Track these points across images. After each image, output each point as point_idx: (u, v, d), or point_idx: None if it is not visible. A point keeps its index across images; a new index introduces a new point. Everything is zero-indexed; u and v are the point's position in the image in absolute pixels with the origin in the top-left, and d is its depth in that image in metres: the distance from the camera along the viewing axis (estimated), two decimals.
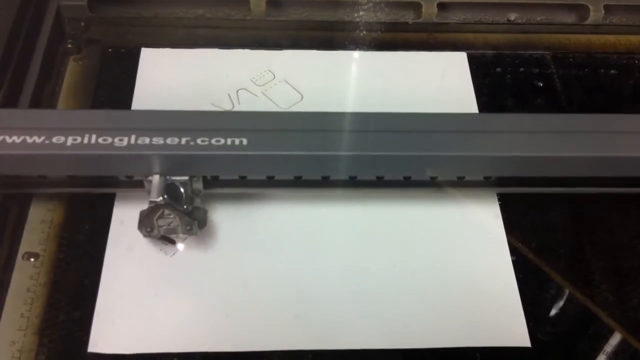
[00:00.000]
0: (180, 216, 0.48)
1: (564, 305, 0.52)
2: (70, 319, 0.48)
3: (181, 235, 0.51)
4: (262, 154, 0.49)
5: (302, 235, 0.53)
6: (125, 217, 0.53)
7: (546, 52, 0.69)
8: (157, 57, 0.65)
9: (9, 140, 0.47)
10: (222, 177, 0.52)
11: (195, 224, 0.49)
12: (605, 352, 0.49)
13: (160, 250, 0.52)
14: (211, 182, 0.52)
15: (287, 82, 0.64)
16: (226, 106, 0.61)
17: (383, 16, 0.71)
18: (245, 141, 0.48)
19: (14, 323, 0.47)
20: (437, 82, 0.65)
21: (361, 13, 0.70)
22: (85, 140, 0.47)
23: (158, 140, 0.48)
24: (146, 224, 0.48)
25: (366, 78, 0.65)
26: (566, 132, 0.51)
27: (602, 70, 0.68)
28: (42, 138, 0.47)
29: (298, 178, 0.52)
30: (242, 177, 0.52)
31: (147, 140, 0.48)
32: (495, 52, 0.69)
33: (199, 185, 0.50)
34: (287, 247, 0.53)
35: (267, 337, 0.48)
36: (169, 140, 0.48)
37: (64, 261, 0.51)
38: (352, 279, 0.51)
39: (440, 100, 0.63)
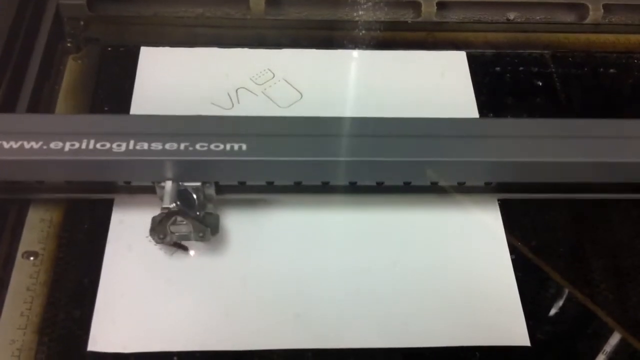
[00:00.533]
0: (193, 223, 0.48)
1: (563, 304, 0.52)
2: (70, 318, 0.48)
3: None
4: (260, 160, 0.48)
5: (302, 235, 0.53)
6: (124, 216, 0.53)
7: (545, 52, 0.69)
8: (156, 56, 0.65)
9: (6, 145, 0.47)
10: (221, 182, 0.51)
11: (208, 230, 0.49)
12: (604, 352, 0.49)
13: (160, 249, 0.52)
14: (223, 188, 0.51)
15: (286, 81, 0.64)
16: (225, 105, 0.61)
17: (382, 15, 0.71)
18: (244, 146, 0.48)
19: (14, 322, 0.47)
20: (437, 81, 0.65)
21: (360, 12, 0.70)
22: (84, 146, 0.47)
23: (157, 146, 0.47)
24: (159, 230, 0.48)
25: (366, 77, 0.65)
26: (568, 137, 0.51)
27: (602, 70, 0.68)
28: (40, 143, 0.47)
29: (298, 183, 0.52)
30: (242, 183, 0.52)
31: (145, 145, 0.47)
32: (494, 51, 0.69)
33: (211, 191, 0.50)
34: (287, 246, 0.53)
35: (267, 336, 0.48)
36: (167, 146, 0.47)
37: (63, 260, 0.51)
38: (352, 278, 0.51)
39: (440, 100, 0.63)
